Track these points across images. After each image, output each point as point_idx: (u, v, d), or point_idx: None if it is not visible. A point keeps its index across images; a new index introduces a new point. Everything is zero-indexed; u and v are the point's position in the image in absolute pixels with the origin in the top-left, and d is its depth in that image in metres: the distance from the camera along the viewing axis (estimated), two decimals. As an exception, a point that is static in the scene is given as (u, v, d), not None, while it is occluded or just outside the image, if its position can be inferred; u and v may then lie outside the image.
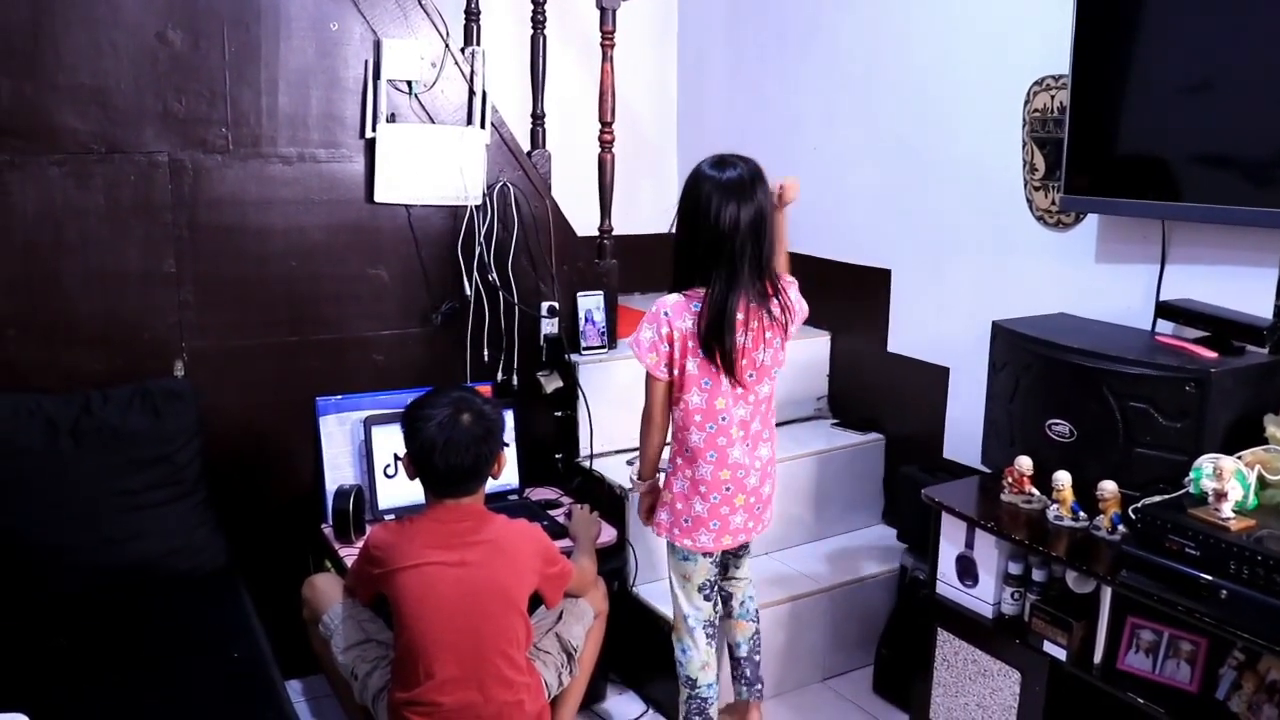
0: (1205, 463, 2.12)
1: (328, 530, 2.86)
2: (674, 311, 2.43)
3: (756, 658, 2.81)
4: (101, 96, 2.72)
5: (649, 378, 2.51)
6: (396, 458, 2.89)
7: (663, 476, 2.64)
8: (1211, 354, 2.35)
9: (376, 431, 2.93)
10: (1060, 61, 2.71)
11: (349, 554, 2.64)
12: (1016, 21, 2.96)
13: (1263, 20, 2.32)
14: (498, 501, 3.00)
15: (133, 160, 2.78)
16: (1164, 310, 2.59)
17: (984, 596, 2.56)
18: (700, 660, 2.67)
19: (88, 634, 2.44)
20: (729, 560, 2.75)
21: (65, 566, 2.59)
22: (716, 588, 2.70)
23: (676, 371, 2.47)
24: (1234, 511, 2.04)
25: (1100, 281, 2.83)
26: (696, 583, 2.64)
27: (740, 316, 2.40)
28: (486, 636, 2.22)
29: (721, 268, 2.38)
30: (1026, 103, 2.95)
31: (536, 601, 2.38)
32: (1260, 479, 2.13)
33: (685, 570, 2.64)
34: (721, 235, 2.37)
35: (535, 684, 2.33)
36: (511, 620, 2.25)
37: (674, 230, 2.49)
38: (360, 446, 2.97)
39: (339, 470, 2.96)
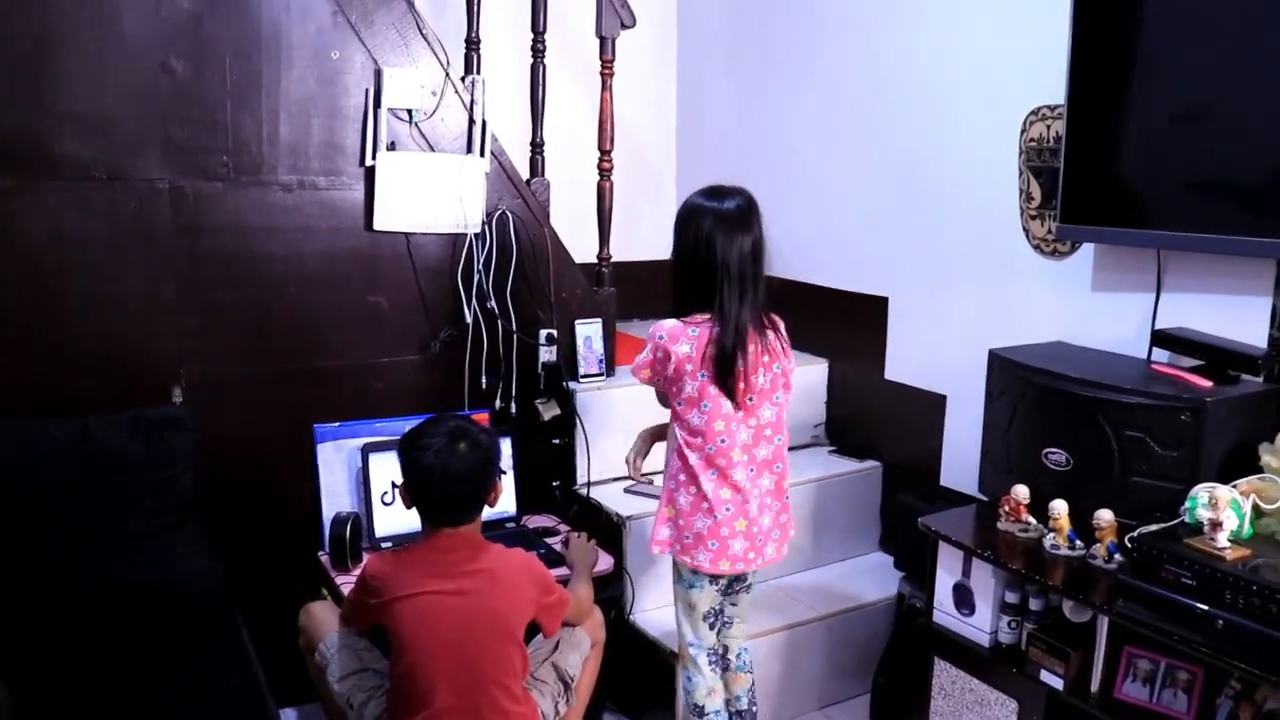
0: (1200, 492, 2.13)
1: (325, 558, 2.86)
2: (669, 336, 2.45)
3: (754, 708, 2.79)
4: (104, 124, 2.74)
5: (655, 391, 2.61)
6: (394, 485, 2.89)
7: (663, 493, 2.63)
8: (1207, 383, 2.36)
9: (374, 459, 2.94)
10: (1056, 91, 2.73)
11: (346, 582, 2.64)
12: (1013, 52, 2.98)
13: (1255, 52, 2.34)
14: (495, 529, 3.00)
15: (134, 187, 2.79)
16: (1160, 339, 2.60)
17: (981, 625, 2.56)
18: (707, 686, 2.66)
19: (85, 660, 2.43)
20: (726, 596, 2.73)
21: (62, 592, 2.59)
22: (720, 615, 2.70)
23: (674, 390, 2.49)
24: (1230, 541, 2.04)
25: (1097, 310, 2.84)
26: (701, 610, 2.63)
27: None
28: (483, 666, 2.21)
29: (731, 294, 2.41)
30: (1023, 132, 2.97)
31: (534, 630, 2.38)
32: (1255, 508, 2.13)
33: (691, 598, 2.63)
34: (727, 264, 2.40)
35: (532, 713, 2.32)
36: (508, 649, 2.25)
37: (672, 258, 2.50)
38: (358, 474, 2.97)
39: (336, 497, 2.96)
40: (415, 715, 2.19)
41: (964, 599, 2.60)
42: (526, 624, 2.30)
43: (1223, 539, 2.03)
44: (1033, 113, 2.93)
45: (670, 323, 2.47)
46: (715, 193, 2.46)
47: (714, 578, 2.61)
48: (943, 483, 3.31)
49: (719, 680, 2.69)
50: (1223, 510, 2.04)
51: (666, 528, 2.59)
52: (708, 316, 2.44)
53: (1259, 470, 2.22)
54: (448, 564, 2.23)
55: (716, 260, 2.40)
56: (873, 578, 3.42)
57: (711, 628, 2.66)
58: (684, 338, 2.44)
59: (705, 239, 2.41)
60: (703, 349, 2.43)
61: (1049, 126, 2.88)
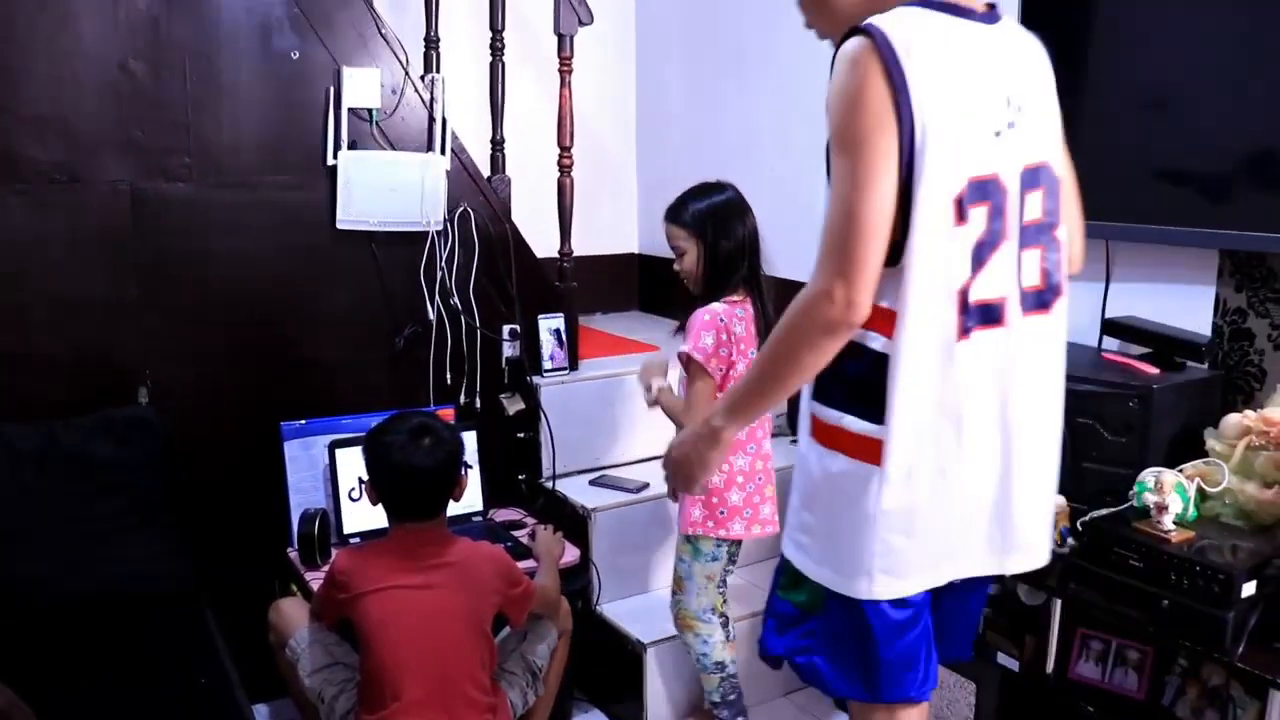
0: (1147, 476, 2.20)
1: (293, 554, 2.88)
2: (726, 316, 2.59)
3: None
4: (64, 126, 2.73)
5: (697, 384, 2.59)
6: (361, 481, 2.91)
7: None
8: (1154, 370, 2.43)
9: (341, 455, 2.96)
10: (1006, 86, 2.79)
11: (315, 578, 2.67)
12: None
13: (1201, 48, 2.41)
14: (462, 523, 3.03)
15: (95, 189, 2.79)
16: (1109, 328, 2.67)
17: (939, 610, 2.62)
18: (721, 639, 2.79)
19: (52, 660, 2.44)
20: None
21: (30, 593, 2.59)
22: (724, 583, 2.83)
23: (725, 371, 2.60)
24: (1175, 524, 2.11)
25: (1049, 299, 2.90)
26: (716, 580, 2.77)
27: None
28: (452, 659, 2.25)
29: (755, 274, 2.67)
30: (975, 126, 3.02)
31: (501, 622, 2.42)
32: (1200, 491, 2.20)
33: (710, 570, 2.76)
34: (756, 244, 2.67)
35: (501, 705, 2.36)
36: (476, 642, 2.28)
37: (708, 251, 2.62)
38: (325, 470, 2.99)
39: (304, 494, 2.98)
40: (385, 708, 2.22)
41: (922, 584, 2.66)
42: (494, 616, 2.34)
43: (1168, 522, 2.10)
44: (985, 106, 2.99)
45: (717, 305, 2.61)
46: (721, 185, 2.69)
47: (733, 545, 2.76)
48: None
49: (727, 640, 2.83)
50: (1168, 494, 2.11)
51: (698, 508, 2.68)
52: (738, 298, 2.64)
53: (1204, 454, 2.29)
54: (414, 558, 2.27)
55: (754, 243, 2.66)
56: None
57: (719, 590, 2.80)
58: (735, 317, 2.61)
59: (750, 229, 2.66)
60: (751, 324, 2.63)
61: (1000, 120, 2.93)
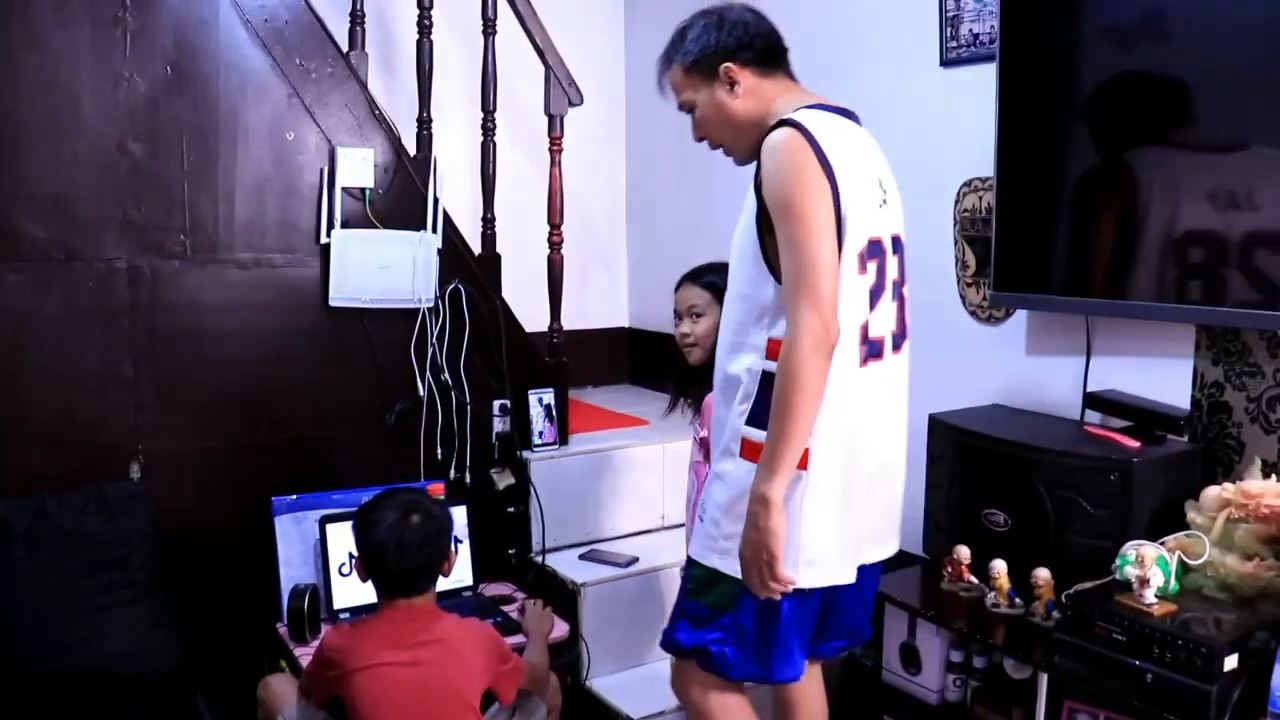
0: (1129, 550, 2.22)
1: (283, 630, 2.88)
2: None
3: None
4: (62, 205, 2.79)
5: None
6: (351, 556, 2.92)
7: None
8: (1135, 443, 2.46)
9: (331, 530, 2.97)
10: (986, 164, 2.86)
11: (305, 654, 2.67)
12: (945, 128, 3.10)
13: (1169, 129, 2.48)
14: (452, 597, 3.03)
15: (92, 267, 2.84)
16: (1091, 401, 2.70)
17: (928, 684, 2.63)
18: None
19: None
20: None
21: (18, 670, 2.59)
22: None
23: None
24: (1157, 597, 2.13)
25: (1032, 373, 2.94)
26: None
27: None
28: (440, 734, 2.25)
29: None
30: (957, 203, 3.09)
31: (490, 698, 2.42)
32: (1182, 564, 2.22)
33: None
34: None
35: (490, 781, 2.35)
36: (465, 718, 2.28)
37: None
38: (315, 545, 3.00)
39: (294, 569, 2.99)
40: (374, 786, 2.21)
41: (911, 658, 2.67)
42: (483, 692, 2.34)
43: (1150, 595, 2.12)
44: (965, 184, 3.06)
45: None
46: None
47: None
48: (890, 543, 3.38)
49: None
50: (1149, 568, 2.13)
51: None
52: None
53: (1186, 527, 2.32)
54: (403, 635, 2.27)
55: None
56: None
57: None
58: None
59: None
60: None
61: (981, 198, 3.00)
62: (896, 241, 2.09)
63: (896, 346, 2.09)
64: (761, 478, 1.90)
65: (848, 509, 2.01)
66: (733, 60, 2.07)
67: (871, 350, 2.01)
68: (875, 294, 2.00)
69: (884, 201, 2.04)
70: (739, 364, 2.03)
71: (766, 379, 1.95)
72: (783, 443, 1.88)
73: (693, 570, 2.13)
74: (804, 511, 1.94)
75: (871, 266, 1.99)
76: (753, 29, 2.09)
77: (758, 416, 1.96)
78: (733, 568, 2.00)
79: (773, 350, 1.95)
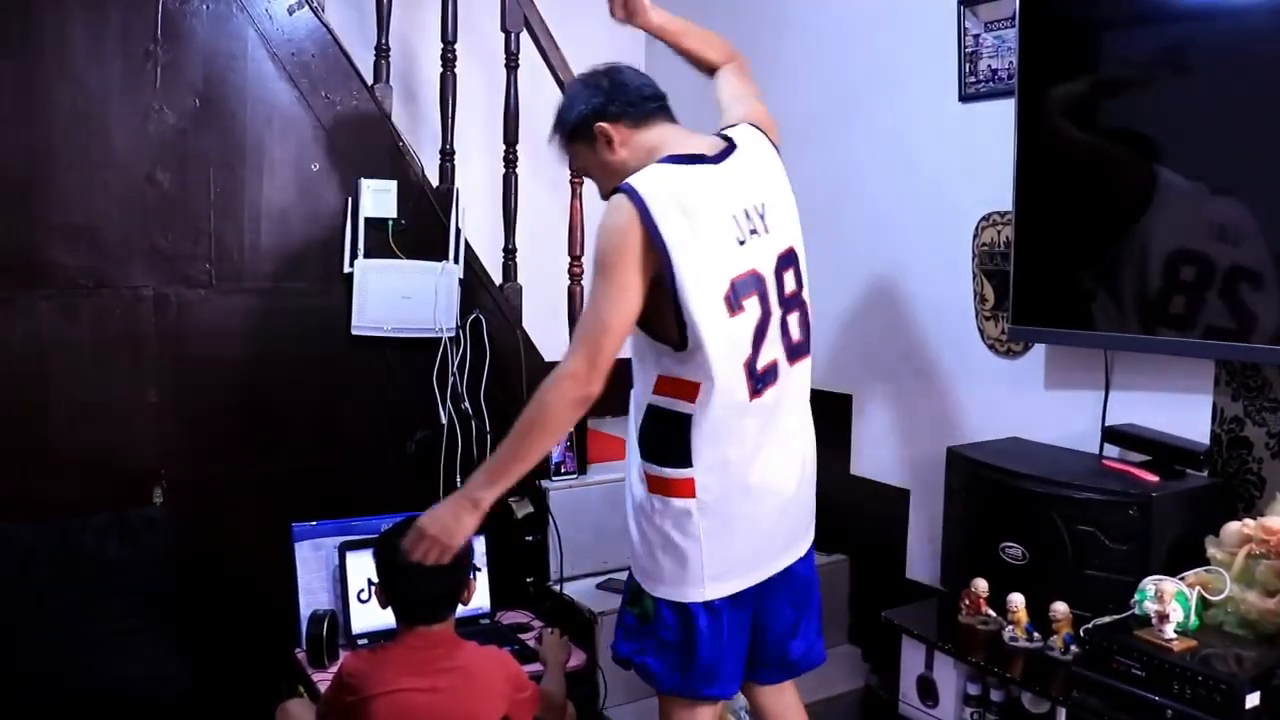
0: (1148, 585, 2.21)
1: (301, 655, 2.90)
2: None
3: None
4: (91, 234, 2.84)
5: None
6: (370, 583, 2.93)
7: None
8: (1154, 478, 2.45)
9: (351, 557, 2.99)
10: (1004, 198, 2.87)
11: (323, 679, 2.68)
12: (963, 162, 3.12)
13: (1188, 165, 2.49)
14: (470, 625, 3.04)
15: (119, 294, 2.88)
16: (1110, 435, 2.70)
17: (944, 717, 2.61)
18: None
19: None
20: None
21: (37, 692, 2.61)
22: None
23: None
24: (1176, 632, 2.12)
25: (1050, 407, 2.94)
26: None
27: None
28: (458, 762, 2.26)
29: None
30: (975, 237, 3.10)
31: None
32: (1202, 600, 2.21)
33: None
34: None
35: (506, 810, 2.35)
36: (482, 746, 2.29)
37: None
38: (335, 572, 3.02)
39: (313, 595, 3.01)
40: (391, 813, 2.22)
41: (928, 691, 2.66)
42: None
43: (1169, 631, 2.11)
44: (984, 218, 3.07)
45: None
46: None
47: None
48: (908, 575, 3.38)
49: None
50: (1168, 603, 2.12)
51: None
52: None
53: (1206, 562, 2.31)
54: (423, 661, 2.28)
55: None
56: (841, 669, 3.45)
57: None
58: None
59: None
60: None
61: (999, 232, 3.01)
62: (785, 258, 2.17)
63: (793, 359, 2.19)
64: (479, 483, 2.08)
65: (744, 529, 2.15)
66: (603, 119, 2.16)
67: (765, 379, 2.11)
68: (762, 327, 2.10)
69: (752, 231, 2.10)
70: (633, 397, 2.22)
71: (651, 412, 2.14)
72: (514, 463, 2.05)
73: (629, 582, 2.29)
74: (702, 533, 2.10)
75: (749, 302, 2.07)
76: (619, 85, 2.18)
77: (653, 452, 2.14)
78: (650, 586, 2.18)
79: (660, 386, 2.12)
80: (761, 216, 2.13)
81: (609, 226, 2.01)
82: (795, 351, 2.20)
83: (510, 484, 2.07)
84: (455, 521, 2.07)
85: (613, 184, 2.15)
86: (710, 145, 2.16)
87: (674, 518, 2.11)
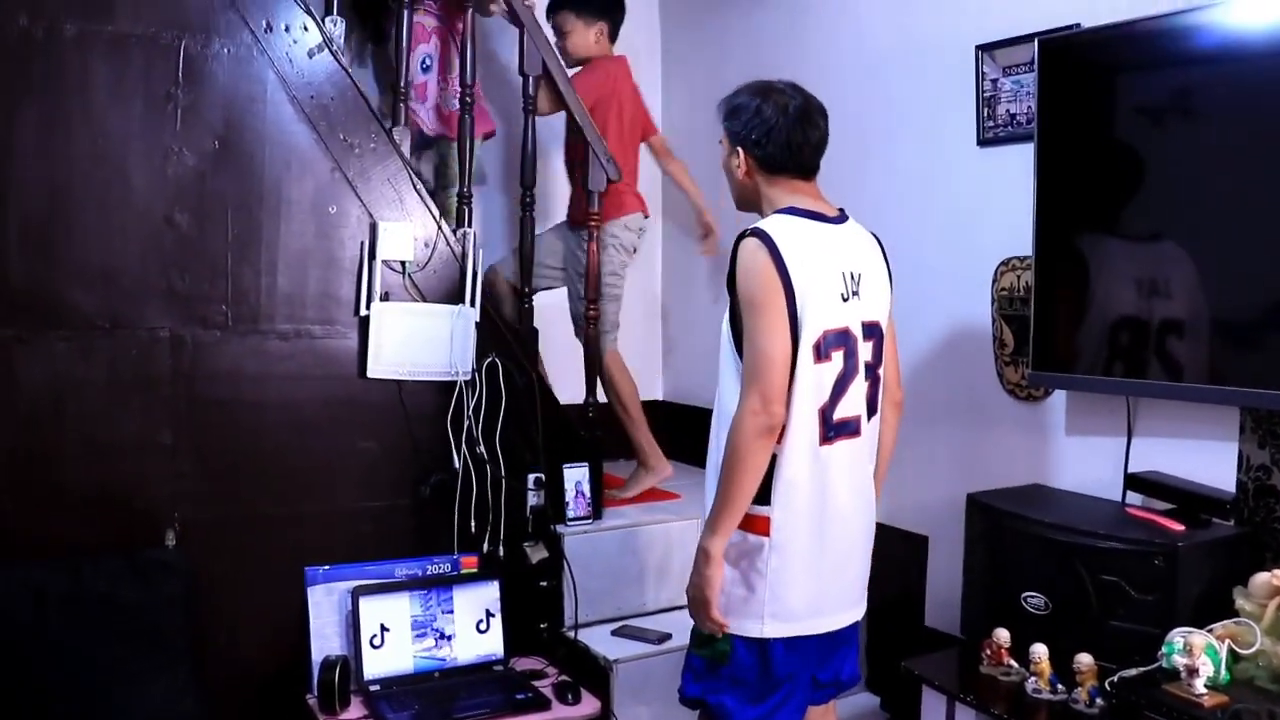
0: (1176, 637, 2.17)
1: (313, 701, 2.86)
2: None
3: None
4: (109, 275, 2.84)
5: None
6: (383, 628, 2.91)
7: None
8: (1179, 527, 2.42)
9: (364, 602, 2.96)
10: (1024, 243, 2.85)
11: (333, 727, 2.65)
12: (982, 207, 3.11)
13: (1209, 211, 2.47)
14: (483, 672, 3.01)
15: (135, 336, 2.88)
16: (1133, 482, 2.67)
17: (967, 770, 2.57)
18: None
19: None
20: None
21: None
22: None
23: None
24: (1207, 687, 2.08)
25: (1071, 453, 2.91)
26: None
27: None
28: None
29: None
30: (994, 281, 3.08)
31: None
32: (1232, 653, 2.17)
33: None
34: None
35: None
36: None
37: None
38: (348, 617, 2.99)
39: (325, 640, 2.98)
40: None
41: (949, 743, 2.61)
42: None
43: (1200, 685, 2.07)
44: (1003, 263, 3.05)
45: None
46: None
47: None
48: (927, 623, 3.34)
49: None
50: (1198, 656, 2.08)
51: None
52: None
53: (1234, 613, 2.27)
54: None
55: None
56: (859, 718, 3.41)
57: None
58: None
59: None
60: None
61: (1019, 277, 2.99)
62: (871, 328, 2.31)
63: (871, 417, 2.34)
64: (705, 534, 2.20)
65: (814, 569, 2.25)
66: (744, 147, 2.32)
67: (841, 429, 2.24)
68: (844, 379, 2.24)
69: (854, 293, 2.27)
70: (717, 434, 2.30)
71: None
72: (725, 506, 2.16)
73: (695, 627, 2.33)
74: (770, 569, 2.21)
75: (837, 355, 2.22)
76: (774, 135, 2.28)
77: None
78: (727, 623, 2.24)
79: None
80: (858, 284, 2.28)
81: (751, 269, 2.17)
82: (869, 414, 2.33)
83: (731, 527, 2.18)
84: (700, 578, 2.20)
85: (732, 191, 2.42)
86: (829, 209, 2.35)
87: (748, 553, 2.22)
